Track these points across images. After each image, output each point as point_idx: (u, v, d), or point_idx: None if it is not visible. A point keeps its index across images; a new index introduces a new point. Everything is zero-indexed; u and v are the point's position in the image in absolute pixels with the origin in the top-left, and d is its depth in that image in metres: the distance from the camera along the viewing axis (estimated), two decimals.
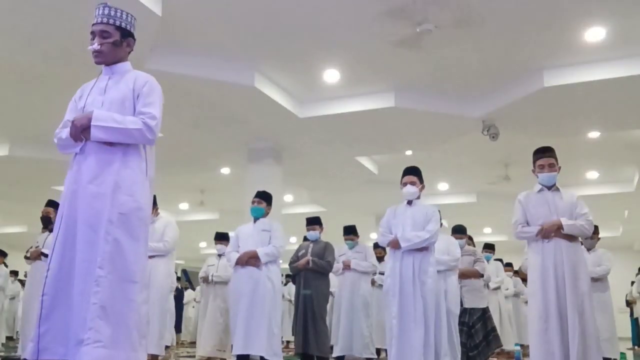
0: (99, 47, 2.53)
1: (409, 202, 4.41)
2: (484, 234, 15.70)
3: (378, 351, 6.47)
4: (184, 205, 13.70)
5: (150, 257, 4.94)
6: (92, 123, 2.37)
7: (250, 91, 6.41)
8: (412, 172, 4.45)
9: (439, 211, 5.43)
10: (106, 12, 2.55)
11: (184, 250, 18.77)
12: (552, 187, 3.84)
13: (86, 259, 2.30)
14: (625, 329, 12.27)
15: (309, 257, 5.68)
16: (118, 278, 2.29)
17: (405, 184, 4.40)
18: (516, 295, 8.88)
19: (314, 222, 5.98)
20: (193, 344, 9.75)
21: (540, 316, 3.58)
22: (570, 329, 3.46)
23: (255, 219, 5.18)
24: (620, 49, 5.85)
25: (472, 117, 7.15)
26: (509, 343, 7.84)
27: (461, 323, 5.27)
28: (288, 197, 12.46)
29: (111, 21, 2.54)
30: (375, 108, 7.02)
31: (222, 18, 5.32)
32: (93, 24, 2.56)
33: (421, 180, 4.44)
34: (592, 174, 10.62)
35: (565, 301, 3.53)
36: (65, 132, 2.49)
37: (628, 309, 12.62)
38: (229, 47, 5.88)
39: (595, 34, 5.55)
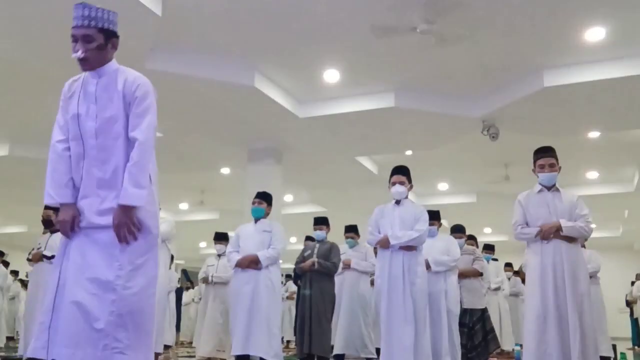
0: (83, 54, 2.39)
1: (397, 202, 4.41)
2: (484, 234, 15.70)
3: (378, 351, 6.46)
4: (184, 205, 13.71)
5: None
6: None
7: (250, 91, 6.41)
8: (401, 171, 4.44)
9: (439, 211, 5.44)
10: (86, 13, 2.38)
11: (184, 250, 18.77)
12: (552, 188, 3.83)
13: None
14: (625, 329, 12.28)
15: (314, 258, 5.68)
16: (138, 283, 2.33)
17: (394, 184, 4.38)
18: (515, 295, 8.88)
19: (321, 222, 5.96)
20: (192, 343, 9.75)
21: (538, 316, 3.58)
22: (571, 330, 3.46)
23: (256, 220, 5.19)
24: (620, 49, 5.85)
25: (472, 117, 7.15)
26: (508, 343, 7.85)
27: (461, 324, 5.27)
28: (288, 197, 12.46)
29: (93, 23, 2.38)
30: (375, 108, 7.02)
31: (222, 18, 5.33)
32: (73, 27, 2.41)
33: (409, 180, 4.44)
34: (592, 174, 10.62)
35: (565, 302, 3.53)
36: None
37: (628, 309, 12.62)
38: (229, 47, 5.88)
39: (595, 34, 5.55)
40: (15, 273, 11.38)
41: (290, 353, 7.92)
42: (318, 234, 5.90)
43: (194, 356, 7.04)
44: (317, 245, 5.83)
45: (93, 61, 2.43)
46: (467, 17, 5.25)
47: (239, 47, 5.87)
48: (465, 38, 5.60)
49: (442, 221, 6.18)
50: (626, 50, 5.87)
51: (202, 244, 19.32)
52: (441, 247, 5.14)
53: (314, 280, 5.68)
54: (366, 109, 7.06)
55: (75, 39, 2.41)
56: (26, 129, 7.98)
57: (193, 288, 12.68)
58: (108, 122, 2.39)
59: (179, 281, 12.44)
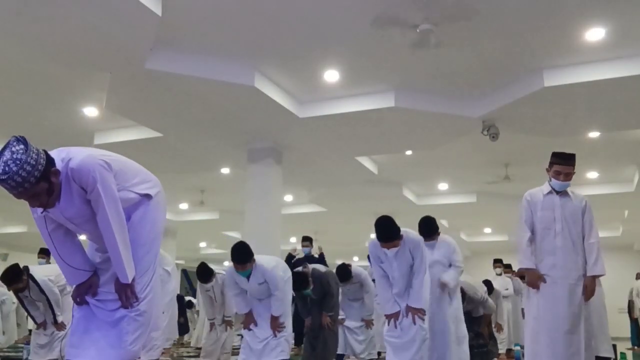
0: (43, 207, 2.31)
1: None
2: (484, 234, 15.69)
3: (378, 352, 6.47)
4: (184, 205, 13.70)
5: None
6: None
7: (250, 91, 6.41)
8: (389, 236, 3.96)
9: (434, 220, 5.05)
10: (18, 182, 2.14)
11: (184, 250, 18.78)
12: (561, 192, 3.76)
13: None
14: (625, 329, 12.27)
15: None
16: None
17: (383, 247, 4.03)
18: (516, 294, 8.90)
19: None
20: (196, 347, 9.74)
21: (538, 317, 3.57)
22: (577, 331, 3.45)
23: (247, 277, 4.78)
24: (620, 49, 5.85)
25: (472, 117, 7.15)
26: (509, 343, 7.86)
27: None
28: (288, 197, 12.46)
29: (27, 185, 2.16)
30: (375, 108, 7.02)
31: (222, 18, 5.32)
32: (16, 197, 2.23)
33: (399, 237, 4.00)
34: (592, 174, 10.61)
35: (566, 301, 3.52)
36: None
37: (627, 310, 12.57)
38: (229, 47, 5.88)
39: (595, 34, 5.54)
40: None
41: (290, 353, 7.89)
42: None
43: (194, 356, 7.03)
44: (310, 294, 5.48)
45: (53, 199, 2.29)
46: (468, 17, 5.25)
47: (239, 47, 5.86)
48: (465, 38, 5.61)
49: (442, 221, 6.16)
50: (626, 50, 5.87)
51: (202, 244, 19.32)
52: (442, 258, 4.81)
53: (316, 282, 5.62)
54: (366, 109, 7.05)
55: (26, 199, 2.26)
56: (26, 129, 7.97)
57: (194, 293, 12.67)
58: (77, 218, 2.48)
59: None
